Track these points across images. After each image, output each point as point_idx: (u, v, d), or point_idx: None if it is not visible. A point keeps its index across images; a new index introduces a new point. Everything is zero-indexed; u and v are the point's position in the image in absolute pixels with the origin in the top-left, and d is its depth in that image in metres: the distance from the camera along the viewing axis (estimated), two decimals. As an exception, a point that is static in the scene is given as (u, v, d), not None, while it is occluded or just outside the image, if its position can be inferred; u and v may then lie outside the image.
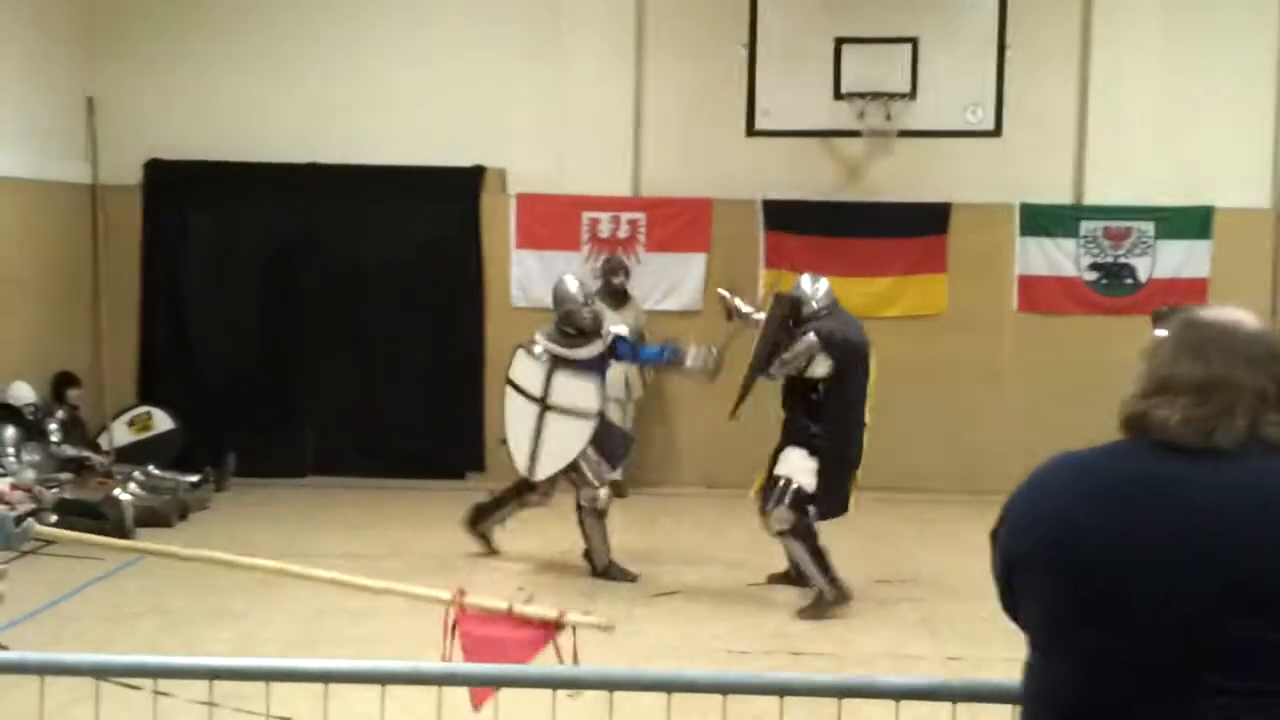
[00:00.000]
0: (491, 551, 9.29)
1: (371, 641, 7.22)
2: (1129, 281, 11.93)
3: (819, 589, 7.90)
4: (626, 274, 11.47)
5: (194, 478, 10.57)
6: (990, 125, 10.93)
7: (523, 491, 9.10)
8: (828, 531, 9.83)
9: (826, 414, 7.93)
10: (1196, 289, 11.90)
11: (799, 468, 7.93)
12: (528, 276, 12.03)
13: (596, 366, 8.84)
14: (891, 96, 10.84)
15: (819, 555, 7.93)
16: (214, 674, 3.35)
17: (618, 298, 11.29)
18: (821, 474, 7.93)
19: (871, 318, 11.73)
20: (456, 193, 12.04)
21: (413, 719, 5.37)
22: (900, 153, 11.17)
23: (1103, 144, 11.90)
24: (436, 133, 12.06)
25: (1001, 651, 7.23)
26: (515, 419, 8.86)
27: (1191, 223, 11.87)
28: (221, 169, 11.95)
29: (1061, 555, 2.27)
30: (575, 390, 8.69)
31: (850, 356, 7.93)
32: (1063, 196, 12.05)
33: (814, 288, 8.17)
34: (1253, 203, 11.97)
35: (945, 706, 3.22)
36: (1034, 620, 2.35)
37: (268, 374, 12.04)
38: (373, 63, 12.17)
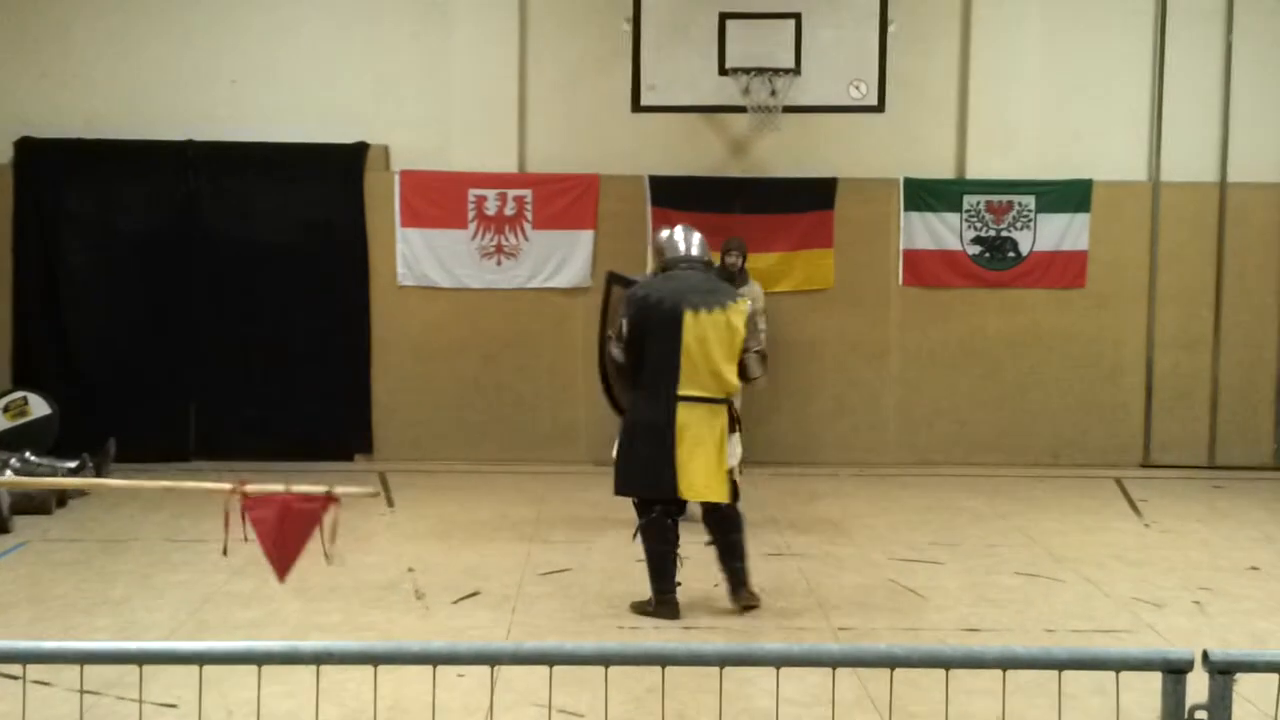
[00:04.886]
0: None
1: (260, 625, 7.12)
2: (1011, 255, 12.10)
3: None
4: (743, 255, 10.59)
5: (72, 463, 10.30)
6: (874, 101, 10.96)
7: None
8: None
9: (633, 379, 7.37)
10: (1076, 261, 12.11)
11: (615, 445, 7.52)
12: (413, 255, 11.91)
13: None
14: (776, 72, 10.83)
15: (655, 559, 7.33)
16: (85, 658, 3.24)
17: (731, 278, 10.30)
18: (620, 445, 7.40)
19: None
20: (339, 170, 11.85)
21: (295, 702, 5.34)
22: (786, 128, 11.18)
23: (984, 118, 12.06)
24: (318, 109, 11.88)
25: (888, 621, 7.35)
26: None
27: (1071, 196, 12.07)
28: (95, 146, 11.65)
29: None
30: None
31: (647, 316, 7.19)
32: (945, 171, 12.18)
33: (685, 238, 7.55)
34: (1130, 176, 12.21)
35: (831, 673, 3.24)
36: None
37: (148, 357, 11.76)
38: (253, 37, 11.95)
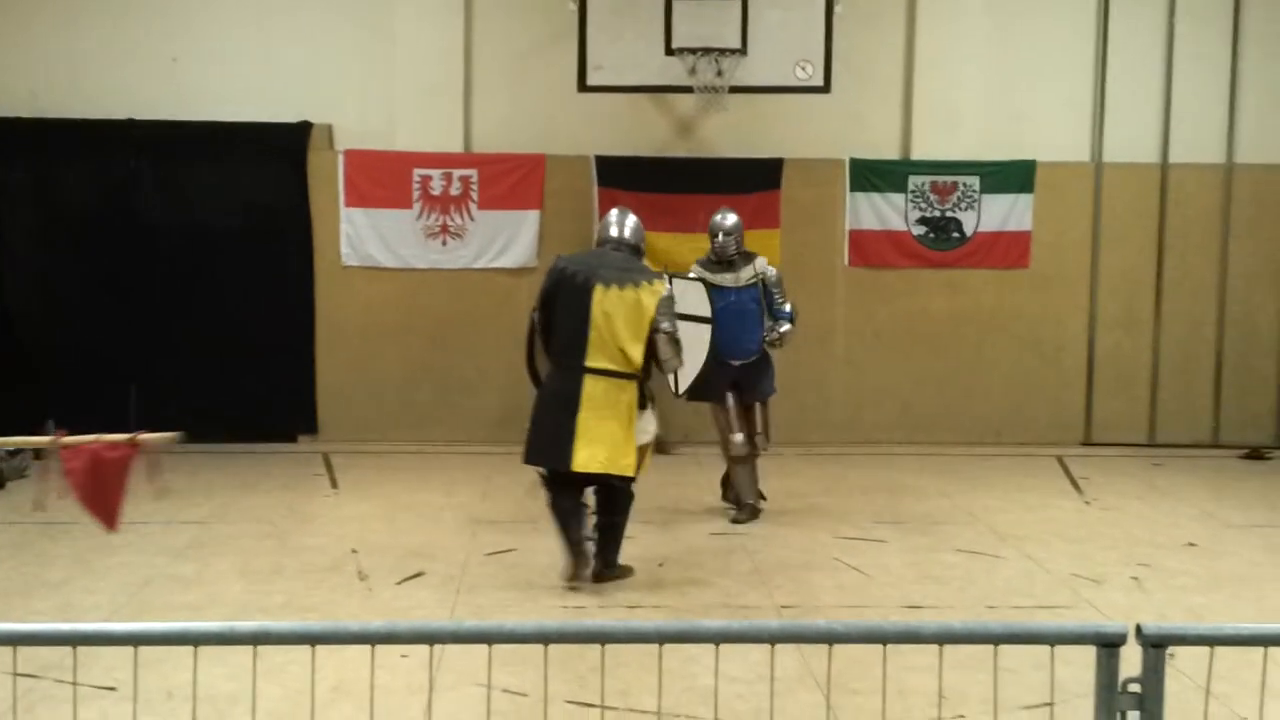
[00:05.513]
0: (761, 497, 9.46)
1: (202, 608, 7.07)
2: (955, 235, 12.17)
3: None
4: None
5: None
6: (820, 81, 10.98)
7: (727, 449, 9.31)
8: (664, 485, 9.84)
9: (546, 349, 7.55)
10: (1020, 242, 12.20)
11: None
12: (358, 235, 11.83)
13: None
14: (722, 52, 10.82)
15: (559, 516, 7.47)
16: (18, 640, 3.20)
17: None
18: (531, 416, 7.51)
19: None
20: (283, 150, 11.73)
21: (236, 683, 5.30)
22: (732, 109, 11.17)
23: (929, 100, 12.11)
24: (261, 88, 11.77)
25: (832, 599, 7.39)
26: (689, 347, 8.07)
27: (1015, 176, 12.14)
28: (36, 125, 11.49)
29: None
30: (694, 297, 8.58)
31: (560, 286, 7.39)
32: (891, 152, 12.23)
33: (619, 221, 7.73)
34: (1073, 156, 12.29)
35: (770, 649, 3.25)
36: None
37: (89, 337, 11.61)
38: (195, 15, 11.80)
